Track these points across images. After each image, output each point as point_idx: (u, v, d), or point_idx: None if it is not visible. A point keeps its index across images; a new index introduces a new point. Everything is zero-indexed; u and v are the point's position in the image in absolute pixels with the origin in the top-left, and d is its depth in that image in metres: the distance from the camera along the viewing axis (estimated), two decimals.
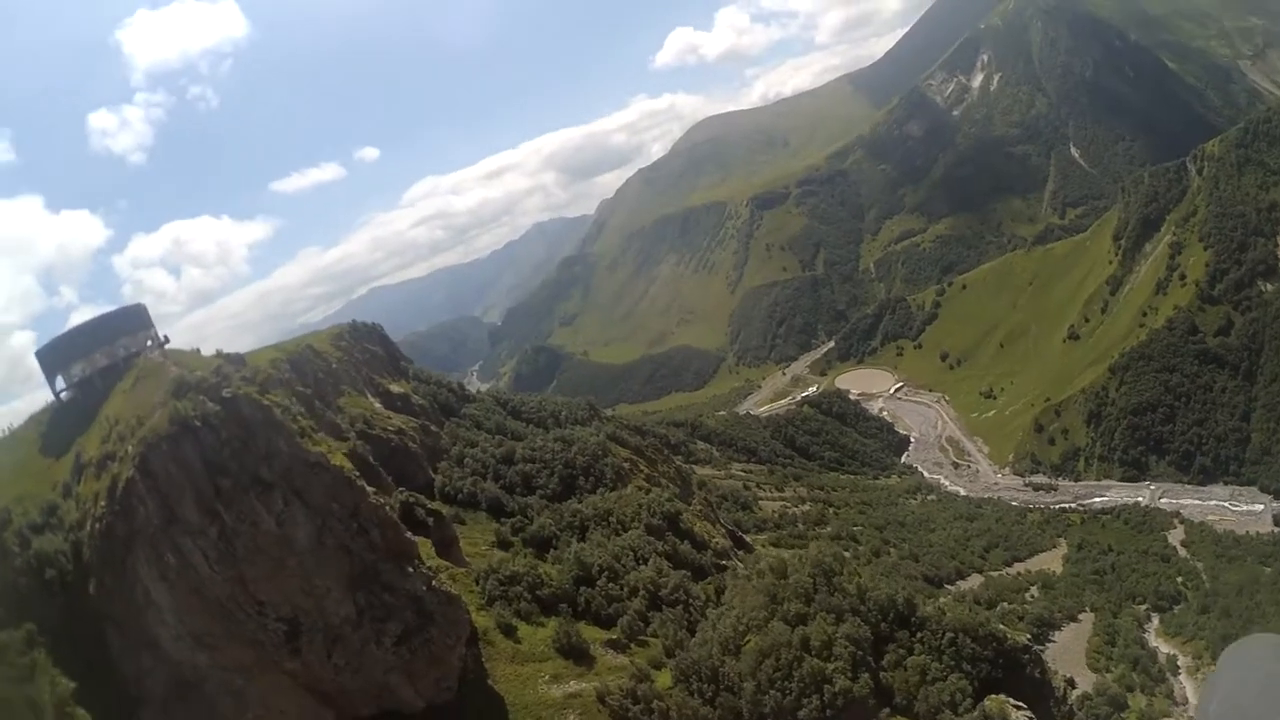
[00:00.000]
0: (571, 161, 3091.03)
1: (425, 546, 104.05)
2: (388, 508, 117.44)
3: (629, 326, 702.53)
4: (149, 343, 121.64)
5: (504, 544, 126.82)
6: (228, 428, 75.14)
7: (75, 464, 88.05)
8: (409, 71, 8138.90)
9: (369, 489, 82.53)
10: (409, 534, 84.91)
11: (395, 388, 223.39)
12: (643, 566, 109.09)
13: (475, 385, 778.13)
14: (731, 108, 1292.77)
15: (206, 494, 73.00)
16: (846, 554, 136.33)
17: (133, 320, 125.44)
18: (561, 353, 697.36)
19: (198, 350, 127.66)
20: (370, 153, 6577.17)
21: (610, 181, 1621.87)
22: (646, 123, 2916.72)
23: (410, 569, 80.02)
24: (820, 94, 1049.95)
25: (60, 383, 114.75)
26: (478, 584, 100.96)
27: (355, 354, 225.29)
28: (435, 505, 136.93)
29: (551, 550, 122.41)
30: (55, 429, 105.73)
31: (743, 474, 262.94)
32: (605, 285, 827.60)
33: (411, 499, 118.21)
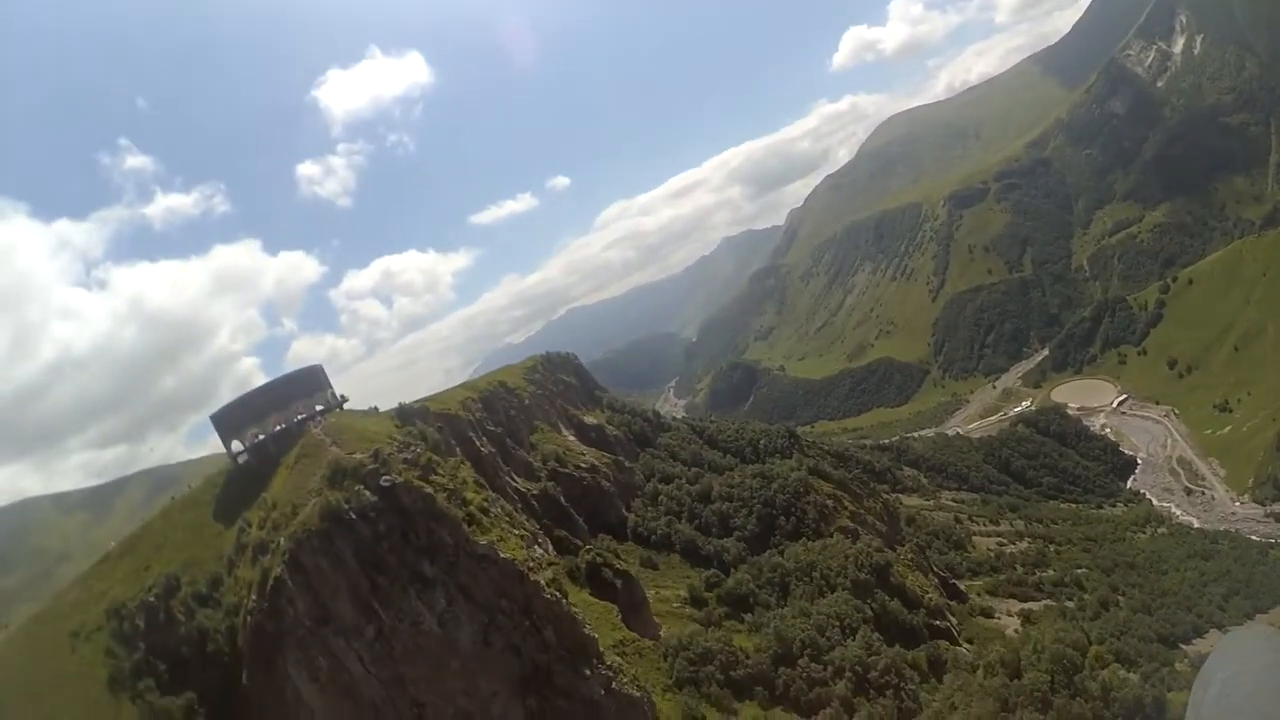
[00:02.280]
0: (757, 173, 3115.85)
1: (611, 614, 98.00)
2: (579, 565, 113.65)
3: (826, 339, 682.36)
4: (321, 407, 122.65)
5: (698, 601, 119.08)
6: (385, 519, 70.65)
7: (238, 540, 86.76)
8: (593, 100, 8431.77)
9: (543, 584, 74.84)
10: (588, 630, 76.78)
11: (589, 419, 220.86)
12: (850, 641, 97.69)
13: (672, 402, 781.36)
14: (916, 103, 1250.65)
15: (362, 591, 68.65)
16: (1084, 629, 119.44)
17: (307, 383, 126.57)
18: (757, 368, 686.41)
19: (375, 409, 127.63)
20: (561, 181, 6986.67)
21: (798, 190, 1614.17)
22: (830, 127, 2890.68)
23: (588, 670, 71.94)
24: (1007, 79, 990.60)
25: (236, 445, 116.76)
26: (666, 659, 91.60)
27: (549, 385, 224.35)
28: (624, 562, 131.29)
29: (749, 613, 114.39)
30: (228, 494, 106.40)
31: (954, 504, 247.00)
32: (799, 297, 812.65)
33: (599, 558, 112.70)
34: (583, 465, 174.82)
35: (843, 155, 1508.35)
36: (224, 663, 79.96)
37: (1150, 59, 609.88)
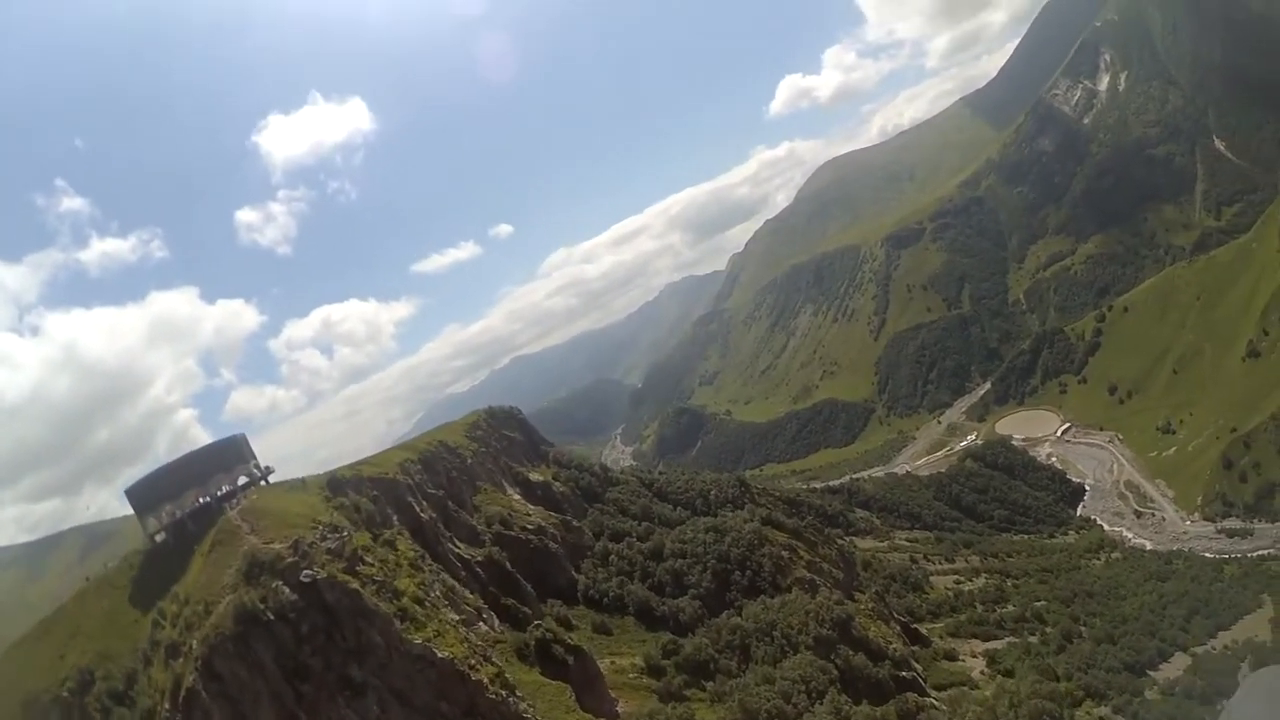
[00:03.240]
0: (698, 220, 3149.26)
1: (564, 694, 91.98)
2: (528, 643, 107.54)
3: (771, 382, 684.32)
4: (244, 479, 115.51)
5: (655, 670, 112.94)
6: (308, 619, 64.03)
7: (151, 636, 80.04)
8: (537, 146, 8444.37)
9: (487, 683, 68.79)
10: None
11: (535, 475, 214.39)
12: (818, 706, 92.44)
13: (619, 449, 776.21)
14: (852, 147, 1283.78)
15: (286, 700, 61.88)
16: (1051, 666, 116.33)
17: (228, 455, 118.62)
18: (704, 413, 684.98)
19: (302, 482, 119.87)
20: (504, 229, 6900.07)
21: (739, 236, 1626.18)
22: (768, 173, 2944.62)
23: None
24: (939, 122, 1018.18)
25: (152, 524, 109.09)
26: None
27: (492, 442, 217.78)
28: (577, 633, 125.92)
29: (710, 680, 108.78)
30: (144, 578, 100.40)
31: (908, 544, 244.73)
32: (743, 341, 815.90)
33: (549, 634, 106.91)
34: (529, 526, 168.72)
35: (781, 200, 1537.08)
36: None
37: (1077, 97, 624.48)
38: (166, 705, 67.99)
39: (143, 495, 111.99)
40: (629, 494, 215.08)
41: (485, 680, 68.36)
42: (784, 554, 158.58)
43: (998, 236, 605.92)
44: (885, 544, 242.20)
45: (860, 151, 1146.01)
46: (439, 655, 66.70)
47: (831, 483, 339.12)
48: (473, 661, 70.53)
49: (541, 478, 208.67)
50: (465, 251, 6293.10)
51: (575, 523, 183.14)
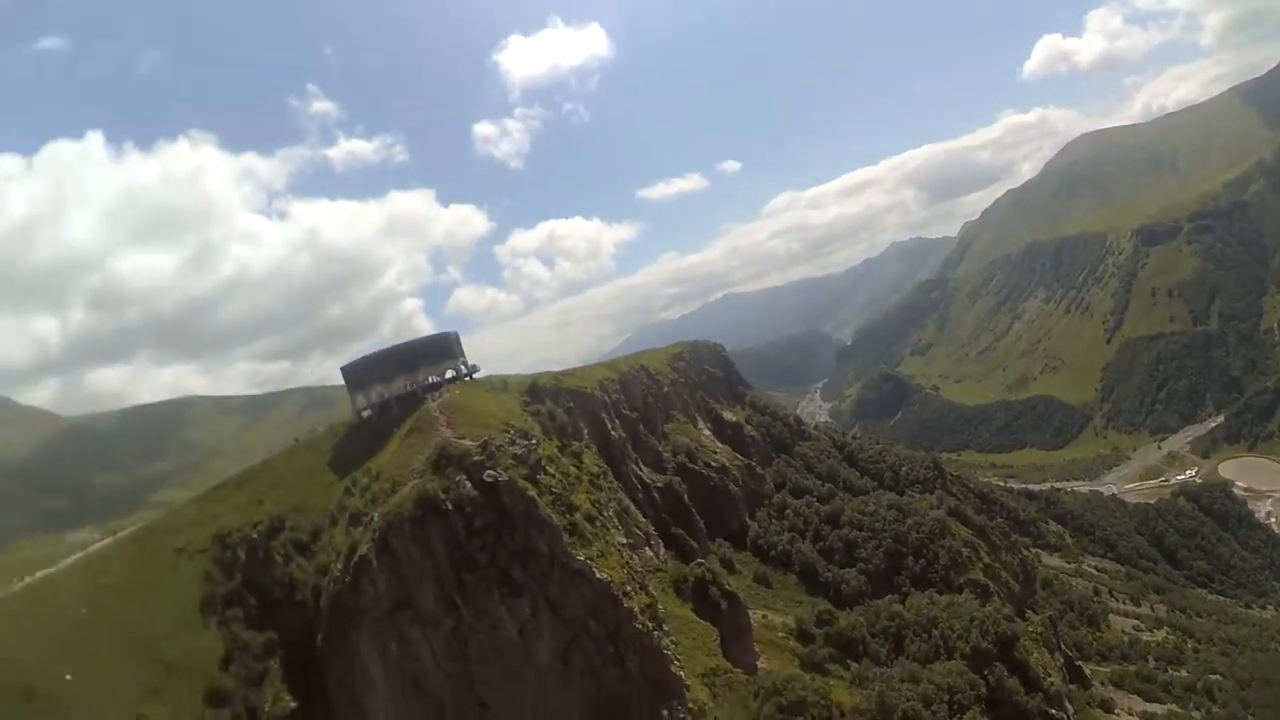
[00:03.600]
0: (934, 179, 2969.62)
1: (710, 637, 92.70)
2: (687, 578, 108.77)
3: (986, 364, 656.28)
4: (450, 374, 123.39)
5: (805, 635, 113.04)
6: (482, 515, 67.72)
7: (340, 500, 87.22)
8: (772, 88, 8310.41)
9: (637, 611, 70.49)
10: (675, 668, 72.39)
11: (729, 414, 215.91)
12: None
13: (817, 404, 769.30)
14: (1109, 123, 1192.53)
15: (447, 584, 66.21)
16: None
17: (439, 349, 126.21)
18: (910, 384, 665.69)
19: (504, 383, 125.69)
20: (732, 165, 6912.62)
21: (975, 202, 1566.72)
22: (1015, 139, 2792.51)
23: (666, 711, 68.20)
24: (1209, 109, 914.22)
25: (359, 400, 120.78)
26: (756, 699, 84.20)
27: (692, 374, 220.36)
28: (738, 578, 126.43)
29: (856, 660, 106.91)
30: (346, 446, 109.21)
31: (1095, 572, 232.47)
32: (964, 315, 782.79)
33: (709, 575, 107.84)
34: (713, 464, 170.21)
35: (1026, 170, 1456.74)
36: (306, 615, 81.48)
37: None
38: (339, 566, 73.45)
39: (356, 374, 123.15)
40: (818, 452, 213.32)
41: (636, 609, 70.15)
42: (964, 550, 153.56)
43: (1259, 251, 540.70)
44: (1072, 566, 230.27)
45: (1119, 129, 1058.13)
46: (597, 575, 68.83)
47: (1031, 486, 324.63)
48: (628, 588, 72.42)
49: (734, 418, 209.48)
50: (691, 183, 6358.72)
51: (759, 469, 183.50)
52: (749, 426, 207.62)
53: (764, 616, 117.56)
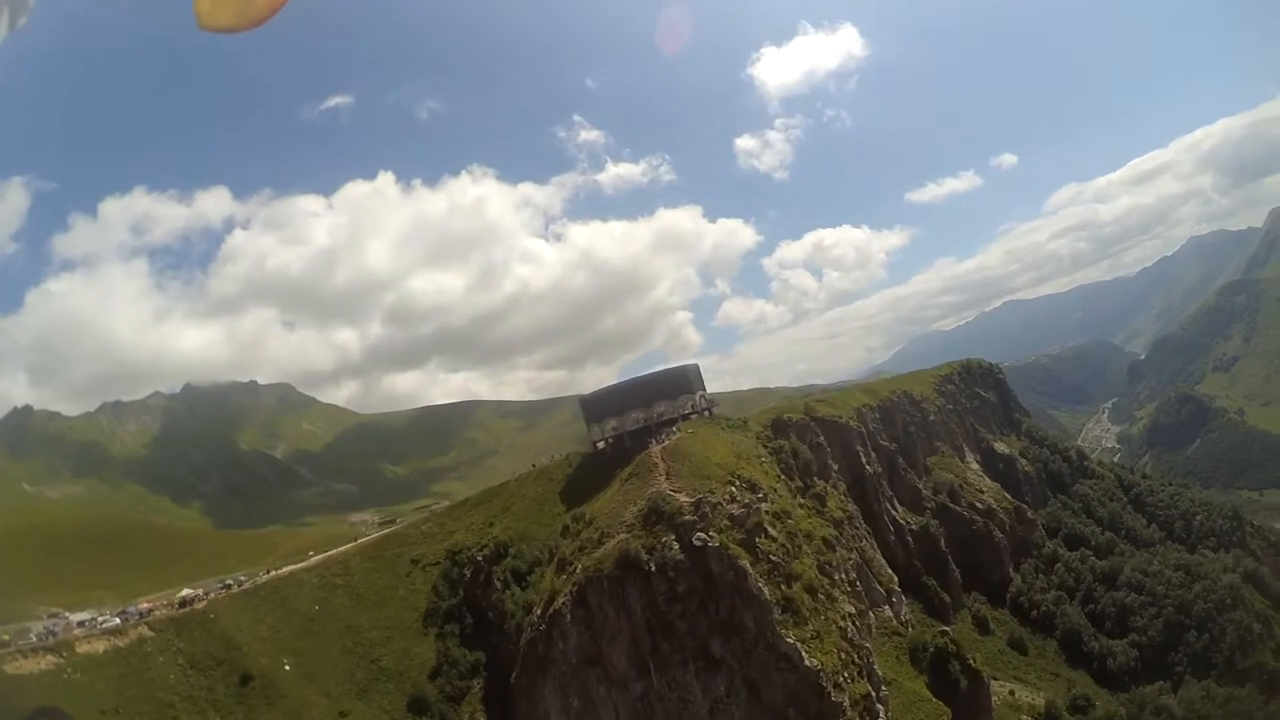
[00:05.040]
0: (1234, 159, 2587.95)
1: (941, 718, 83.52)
2: (925, 645, 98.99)
3: None
4: (687, 411, 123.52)
5: None
6: (686, 580, 65.03)
7: (557, 539, 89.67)
8: (1043, 68, 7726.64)
9: (846, 707, 63.53)
10: None
11: (1001, 446, 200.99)
12: None
13: (1104, 426, 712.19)
14: None
15: (641, 647, 63.61)
16: None
17: (676, 383, 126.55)
18: (1210, 406, 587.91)
19: (744, 422, 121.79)
20: (1008, 159, 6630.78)
21: None
22: None
23: None
24: None
25: (595, 431, 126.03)
26: None
27: (961, 400, 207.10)
28: (983, 652, 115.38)
29: None
30: (577, 478, 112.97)
31: None
32: (1273, 324, 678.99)
33: (951, 646, 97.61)
34: (978, 505, 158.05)
35: None
36: (510, 646, 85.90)
37: None
38: (538, 611, 75.04)
39: (593, 406, 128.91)
40: (1101, 492, 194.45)
41: (846, 703, 64.19)
42: (1255, 626, 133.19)
43: None
44: None
45: None
46: (806, 662, 63.51)
47: None
48: (842, 676, 66.25)
49: (1007, 449, 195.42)
50: (964, 182, 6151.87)
51: (1030, 513, 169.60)
52: (1023, 460, 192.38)
53: (1011, 693, 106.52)
